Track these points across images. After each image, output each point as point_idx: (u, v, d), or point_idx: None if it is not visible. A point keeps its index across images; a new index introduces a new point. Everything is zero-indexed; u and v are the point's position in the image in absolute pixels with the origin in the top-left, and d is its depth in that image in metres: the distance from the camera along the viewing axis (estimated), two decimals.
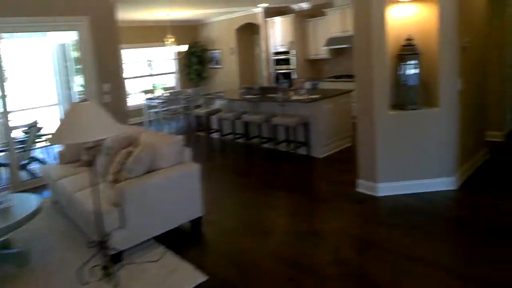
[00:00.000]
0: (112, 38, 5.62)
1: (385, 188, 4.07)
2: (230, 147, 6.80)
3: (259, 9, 9.70)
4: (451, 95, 3.96)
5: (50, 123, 6.73)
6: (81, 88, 6.64)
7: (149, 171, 3.34)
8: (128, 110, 7.19)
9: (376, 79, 3.94)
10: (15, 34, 6.98)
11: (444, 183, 4.07)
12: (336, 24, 8.40)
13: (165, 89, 10.72)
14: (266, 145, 6.25)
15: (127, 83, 10.19)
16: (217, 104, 7.42)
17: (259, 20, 9.88)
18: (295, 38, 9.22)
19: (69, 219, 3.92)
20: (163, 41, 9.58)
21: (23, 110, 7.25)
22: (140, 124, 9.31)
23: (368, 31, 3.92)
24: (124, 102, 5.83)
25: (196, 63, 11.37)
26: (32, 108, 7.70)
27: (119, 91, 5.69)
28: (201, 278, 2.83)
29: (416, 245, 3.10)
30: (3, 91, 4.97)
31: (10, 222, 2.95)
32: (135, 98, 10.29)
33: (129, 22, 9.66)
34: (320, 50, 8.98)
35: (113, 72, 5.63)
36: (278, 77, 9.59)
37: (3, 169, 5.60)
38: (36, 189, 4.97)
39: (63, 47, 7.86)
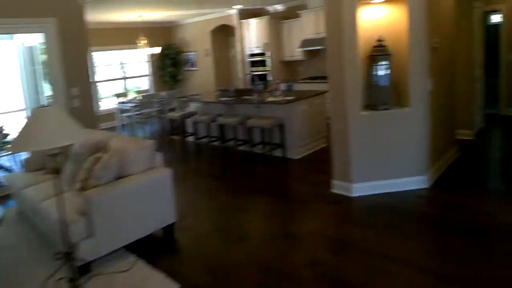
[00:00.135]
0: (81, 40, 5.44)
1: (360, 188, 4.09)
2: (205, 150, 6.71)
3: (234, 10, 9.65)
4: (421, 95, 4.02)
5: (17, 129, 6.45)
6: (50, 93, 6.41)
7: (119, 177, 3.22)
8: (99, 114, 7.01)
9: (348, 80, 3.95)
10: None
11: (416, 182, 4.12)
12: (310, 26, 8.45)
13: (139, 92, 10.52)
14: (241, 148, 6.20)
15: (100, 87, 10.02)
16: (192, 107, 7.32)
17: (234, 21, 9.83)
18: (270, 40, 9.22)
19: (35, 229, 3.75)
20: (135, 43, 9.39)
21: None
22: (113, 128, 9.10)
23: (340, 33, 3.93)
24: (93, 106, 5.65)
25: (170, 66, 11.21)
26: None
27: (88, 95, 5.51)
28: (173, 286, 2.75)
29: (390, 244, 3.12)
30: None
31: None
32: (108, 102, 10.04)
33: (100, 24, 9.43)
34: (295, 52, 9.01)
35: (81, 75, 5.44)
36: (254, 79, 9.56)
37: None
38: (0, 199, 4.74)
39: (30, 50, 7.59)
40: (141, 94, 9.88)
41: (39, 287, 2.82)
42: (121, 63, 10.75)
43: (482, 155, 5.35)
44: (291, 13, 9.04)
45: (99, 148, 3.68)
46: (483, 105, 6.66)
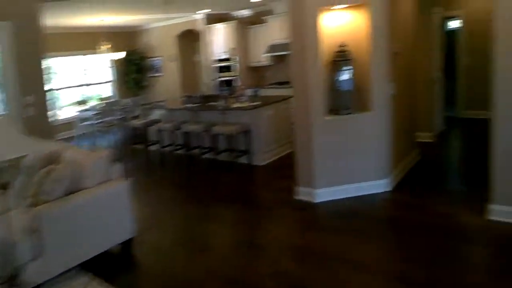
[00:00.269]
0: (37, 45, 5.16)
1: (324, 194, 4.07)
2: (169, 159, 6.53)
3: (200, 15, 9.54)
4: (383, 99, 4.07)
5: None
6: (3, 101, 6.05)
7: (72, 191, 3.04)
8: (58, 123, 6.70)
9: (311, 85, 3.94)
10: None
11: (379, 186, 4.16)
12: (276, 31, 8.47)
13: (101, 99, 10.16)
14: (207, 156, 6.08)
15: (61, 94, 9.59)
16: (156, 114, 7.12)
17: (201, 26, 9.71)
18: (237, 45, 9.17)
19: None
20: (98, 48, 9.08)
21: None
22: (72, 138, 8.74)
23: (302, 38, 3.92)
24: (49, 115, 5.37)
25: (134, 71, 10.92)
26: None
27: (43, 103, 5.23)
28: None
29: (355, 249, 3.11)
30: None
31: None
32: (68, 110, 9.63)
33: (60, 28, 9.06)
34: (262, 57, 9.00)
35: (37, 82, 5.16)
36: (221, 84, 9.46)
37: None
38: None
39: None
40: (103, 101, 9.55)
41: None
42: (84, 69, 10.36)
43: (442, 157, 5.49)
44: (257, 19, 9.03)
45: (52, 160, 3.47)
46: (443, 108, 6.87)
